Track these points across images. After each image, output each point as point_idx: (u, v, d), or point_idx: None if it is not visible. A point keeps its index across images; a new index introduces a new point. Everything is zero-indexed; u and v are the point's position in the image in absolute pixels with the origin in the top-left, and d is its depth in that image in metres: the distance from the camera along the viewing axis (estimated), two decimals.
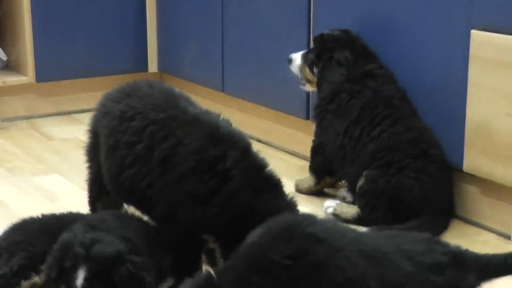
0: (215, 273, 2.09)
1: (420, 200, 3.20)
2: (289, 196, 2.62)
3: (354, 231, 2.30)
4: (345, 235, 2.19)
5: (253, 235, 2.15)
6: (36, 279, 2.46)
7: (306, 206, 3.49)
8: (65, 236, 2.31)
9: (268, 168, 2.59)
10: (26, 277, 2.45)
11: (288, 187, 3.61)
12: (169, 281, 2.42)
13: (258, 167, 2.56)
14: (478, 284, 2.33)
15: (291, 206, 2.58)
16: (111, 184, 2.71)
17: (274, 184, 2.59)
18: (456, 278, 2.25)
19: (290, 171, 3.90)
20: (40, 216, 2.68)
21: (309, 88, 3.64)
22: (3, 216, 3.27)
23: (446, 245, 2.37)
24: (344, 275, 2.05)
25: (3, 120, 4.67)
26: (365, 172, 3.26)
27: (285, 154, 4.23)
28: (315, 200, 3.56)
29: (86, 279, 2.18)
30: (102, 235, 2.28)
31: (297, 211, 2.60)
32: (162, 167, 2.53)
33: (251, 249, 2.11)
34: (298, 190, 3.65)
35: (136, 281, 2.21)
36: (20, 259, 2.47)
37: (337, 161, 3.41)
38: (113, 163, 2.66)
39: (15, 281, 2.44)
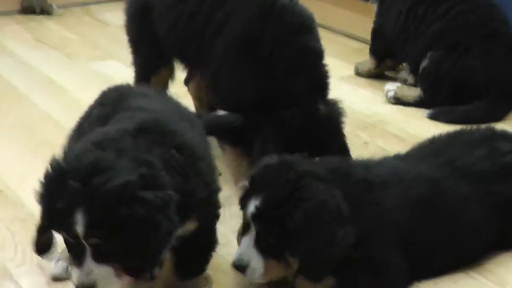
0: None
1: (486, 83, 3.12)
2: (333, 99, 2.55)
3: None
4: None
5: None
6: None
7: (366, 89, 3.44)
8: (56, 160, 1.71)
9: (321, 59, 2.51)
10: None
11: (348, 71, 3.60)
12: (190, 224, 1.83)
13: (302, 47, 2.48)
14: None
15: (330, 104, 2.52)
16: (178, 56, 2.73)
17: (318, 78, 2.51)
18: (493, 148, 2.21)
19: (349, 54, 3.83)
20: None
21: None
22: (63, 101, 3.30)
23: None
24: None
25: (59, 7, 4.65)
26: (429, 53, 3.17)
27: (344, 37, 4.14)
28: (375, 83, 3.50)
29: (88, 226, 1.64)
30: (108, 157, 1.68)
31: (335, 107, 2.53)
32: (214, 41, 2.52)
33: None
34: (358, 74, 3.59)
35: (146, 225, 1.64)
36: None
37: (399, 42, 3.32)
38: (177, 36, 2.65)
39: None
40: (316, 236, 1.84)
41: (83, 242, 1.65)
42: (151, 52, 2.83)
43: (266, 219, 1.88)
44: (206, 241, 1.90)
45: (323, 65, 2.52)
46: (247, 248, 1.90)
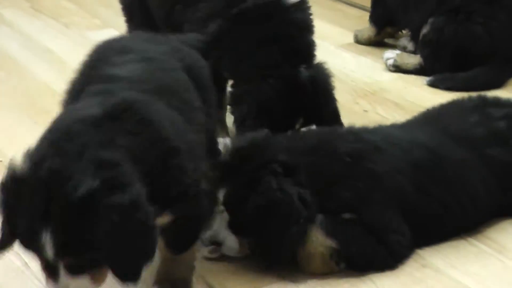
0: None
1: (487, 49, 3.08)
2: None
3: None
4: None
5: None
6: None
7: (366, 57, 3.42)
8: (14, 168, 1.56)
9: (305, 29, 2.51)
10: None
11: (347, 39, 3.58)
12: (164, 218, 1.70)
13: (286, 18, 2.46)
14: None
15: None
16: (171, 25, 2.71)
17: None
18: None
19: (349, 22, 3.80)
20: None
21: None
22: (61, 70, 3.28)
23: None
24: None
25: None
26: (430, 19, 3.13)
27: (343, 4, 4.12)
28: (375, 51, 3.47)
29: (58, 248, 1.52)
30: (67, 164, 1.52)
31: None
32: (197, 6, 2.52)
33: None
34: (358, 41, 3.56)
35: (125, 231, 1.51)
36: None
37: (400, 8, 3.29)
38: (173, 24, 2.65)
39: None
40: (267, 231, 1.92)
41: (55, 262, 1.54)
42: (145, 21, 2.82)
43: (228, 206, 1.98)
44: (192, 226, 1.80)
45: (308, 36, 2.50)
46: (219, 227, 1.99)
